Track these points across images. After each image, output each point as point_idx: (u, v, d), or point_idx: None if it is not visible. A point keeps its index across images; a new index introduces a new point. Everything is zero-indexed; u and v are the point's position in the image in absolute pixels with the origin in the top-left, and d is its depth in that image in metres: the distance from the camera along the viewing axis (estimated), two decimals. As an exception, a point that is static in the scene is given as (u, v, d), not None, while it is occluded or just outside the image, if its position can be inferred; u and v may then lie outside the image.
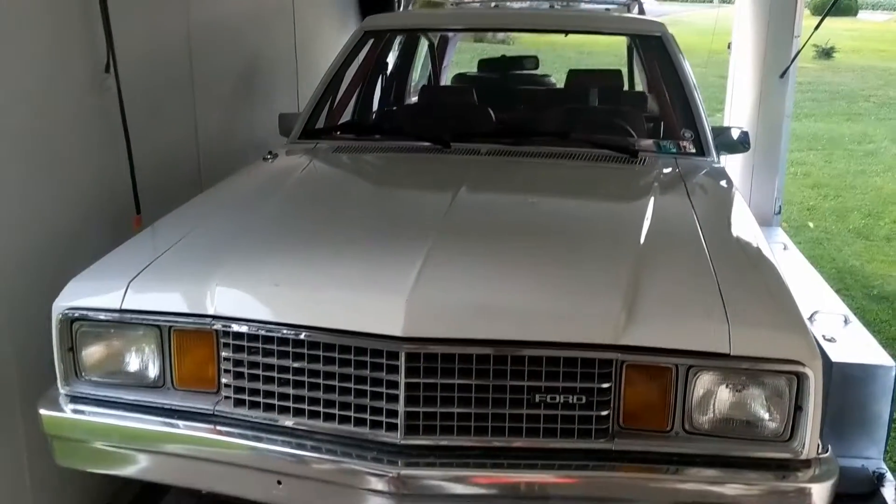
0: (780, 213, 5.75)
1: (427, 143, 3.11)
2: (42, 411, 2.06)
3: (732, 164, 4.98)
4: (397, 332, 1.81)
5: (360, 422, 1.88)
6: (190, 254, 2.17)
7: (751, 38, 5.48)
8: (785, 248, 4.75)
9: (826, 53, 18.78)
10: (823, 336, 3.23)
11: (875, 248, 6.74)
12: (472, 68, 5.79)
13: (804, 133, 11.39)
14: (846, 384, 3.04)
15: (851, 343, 3.24)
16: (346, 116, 3.70)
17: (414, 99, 5.01)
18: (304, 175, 2.91)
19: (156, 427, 1.98)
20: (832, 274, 5.85)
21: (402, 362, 1.82)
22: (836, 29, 18.82)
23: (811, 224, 7.39)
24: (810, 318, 3.41)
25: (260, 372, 1.94)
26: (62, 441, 2.09)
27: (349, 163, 3.17)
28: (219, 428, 1.96)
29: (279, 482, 1.90)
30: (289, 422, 1.93)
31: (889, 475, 3.12)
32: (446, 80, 5.69)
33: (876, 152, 10.64)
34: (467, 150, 3.06)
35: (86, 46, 2.69)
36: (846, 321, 3.45)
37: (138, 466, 2.04)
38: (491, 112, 3.48)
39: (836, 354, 3.09)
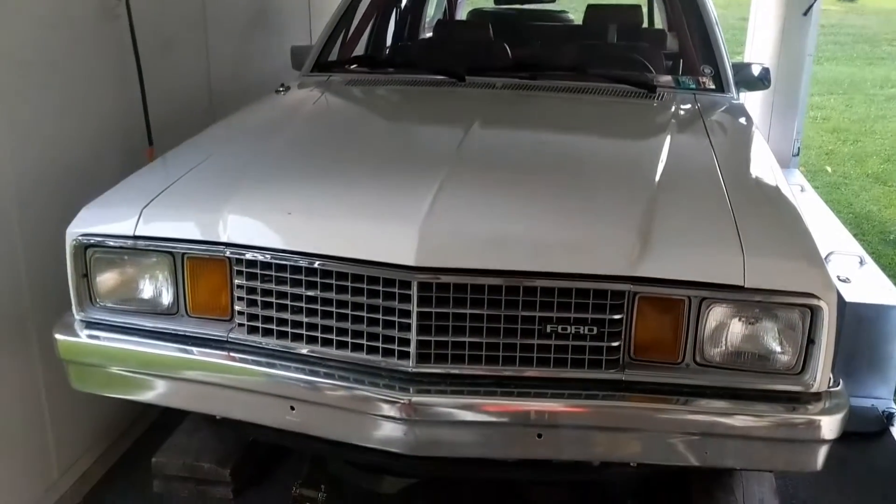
0: (798, 154, 5.68)
1: (441, 77, 3.07)
2: (58, 336, 2.07)
3: (751, 103, 4.91)
4: (410, 262, 1.81)
5: (372, 350, 1.89)
6: (202, 182, 2.16)
7: (774, -25, 5.35)
8: (802, 190, 4.71)
9: (851, -5, 18.36)
10: (838, 277, 3.22)
11: (893, 193, 6.66)
12: (488, 3, 5.69)
13: (825, 77, 11.19)
14: (859, 324, 3.04)
15: (866, 284, 3.23)
16: (360, 50, 3.65)
17: (429, 34, 4.93)
18: (316, 107, 2.88)
19: (170, 353, 2.00)
20: (849, 219, 5.81)
21: (414, 291, 1.82)
22: (862, -30, 18.36)
23: (829, 168, 7.30)
24: (826, 259, 3.37)
25: (273, 300, 1.94)
26: (77, 366, 2.11)
27: (362, 95, 3.14)
28: (232, 354, 1.97)
29: (292, 408, 1.92)
30: (302, 349, 1.94)
31: (899, 414, 3.14)
32: (462, 15, 5.60)
33: (897, 97, 10.46)
34: (482, 83, 3.01)
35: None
36: (861, 262, 3.43)
37: (153, 392, 2.06)
38: (507, 46, 3.42)
39: (851, 295, 3.08)
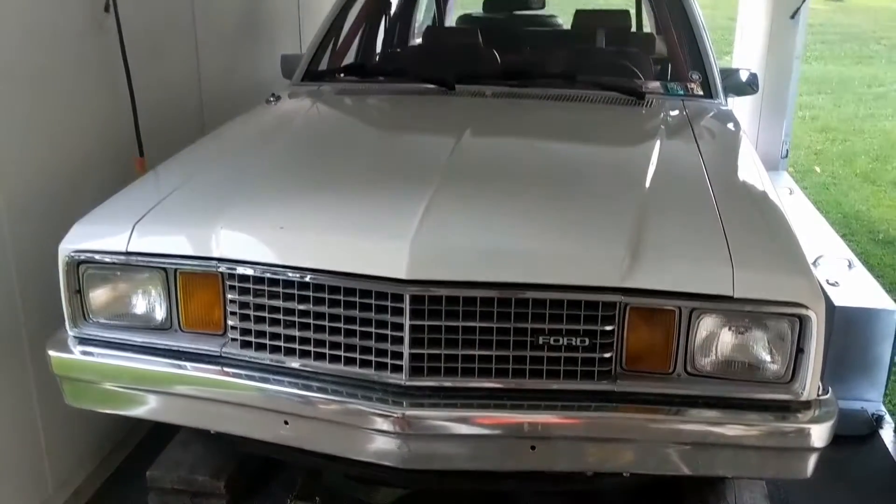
0: (787, 156, 5.71)
1: (431, 86, 3.08)
2: (51, 352, 2.08)
3: (740, 106, 4.93)
4: (402, 275, 1.82)
5: (365, 363, 1.90)
6: (194, 196, 2.17)
7: (761, -23, 5.37)
8: (791, 193, 4.73)
9: (838, -6, 18.43)
10: (827, 280, 3.24)
11: (881, 192, 6.70)
12: (478, 9, 5.70)
13: (813, 76, 11.24)
14: (848, 328, 3.06)
15: (855, 287, 3.25)
16: (350, 58, 3.66)
17: (418, 40, 4.94)
18: (307, 118, 2.89)
19: (164, 368, 2.00)
20: (838, 219, 5.84)
21: (406, 305, 1.83)
22: (849, -32, 18.44)
23: (818, 168, 7.34)
24: (814, 263, 3.41)
25: (266, 314, 1.95)
26: (71, 382, 2.11)
27: (353, 105, 3.14)
28: (226, 369, 1.98)
29: (286, 422, 1.93)
30: (295, 363, 1.95)
31: (888, 417, 3.17)
32: (451, 21, 5.61)
33: (886, 95, 10.51)
34: (472, 91, 3.03)
35: (85, -15, 2.65)
36: (850, 265, 3.45)
37: (147, 407, 2.07)
38: (496, 53, 3.44)
39: (840, 298, 3.10)
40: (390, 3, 4.49)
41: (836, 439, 1.87)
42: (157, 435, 2.73)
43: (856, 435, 3.05)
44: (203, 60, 3.46)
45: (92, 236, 2.04)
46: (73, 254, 2.03)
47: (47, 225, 2.31)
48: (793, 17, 5.21)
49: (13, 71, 2.34)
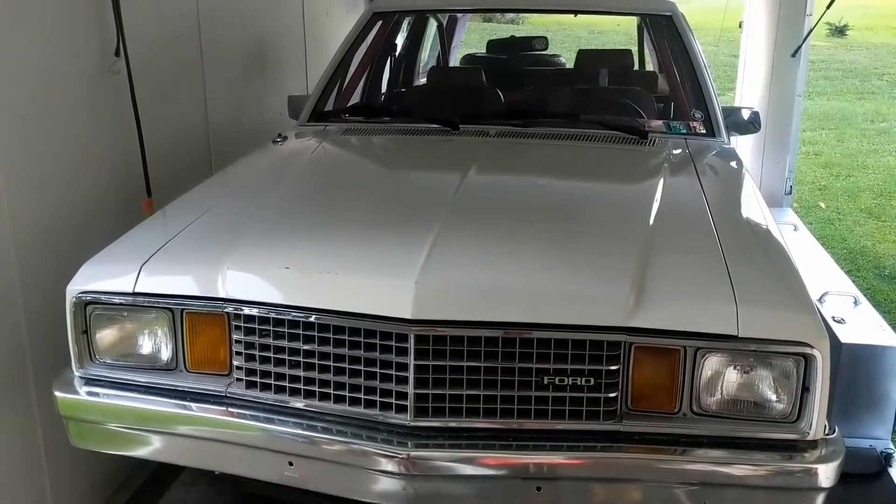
0: (790, 193, 5.73)
1: (436, 125, 3.11)
2: (57, 393, 2.08)
3: (743, 143, 4.97)
4: (406, 315, 1.82)
5: (370, 404, 1.90)
6: (201, 237, 2.19)
7: (763, 16, 5.44)
8: (795, 230, 4.74)
9: (839, 31, 18.57)
10: (833, 317, 3.24)
11: (887, 228, 6.70)
12: (481, 49, 5.77)
13: (816, 112, 11.31)
14: (855, 365, 3.05)
15: (861, 324, 3.24)
16: (356, 98, 3.71)
17: (423, 80, 5.00)
18: (313, 158, 2.91)
19: (169, 409, 2.01)
20: (843, 254, 5.84)
21: (411, 344, 1.83)
22: (849, 7, 18.56)
23: (822, 204, 7.36)
24: (820, 300, 3.41)
25: (271, 354, 1.96)
26: (77, 423, 2.12)
27: (358, 145, 3.18)
28: (231, 410, 1.98)
29: (290, 463, 1.93)
30: (300, 404, 1.95)
31: (897, 455, 3.14)
32: (455, 61, 5.67)
33: (889, 131, 10.55)
34: (476, 131, 3.06)
35: (96, 30, 2.69)
36: (856, 302, 3.45)
37: (152, 448, 2.07)
38: (500, 93, 3.48)
39: (846, 335, 3.09)
40: (395, 45, 4.55)
41: (845, 477, 1.87)
42: (160, 476, 2.73)
43: (865, 473, 3.02)
44: (211, 102, 3.51)
45: (99, 277, 2.06)
46: (80, 294, 2.04)
47: (55, 265, 2.33)
48: (794, 55, 5.27)
49: (25, 113, 2.38)
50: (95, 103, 2.72)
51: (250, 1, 3.99)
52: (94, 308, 2.05)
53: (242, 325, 1.97)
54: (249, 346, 1.97)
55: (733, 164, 2.96)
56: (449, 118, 3.09)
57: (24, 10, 2.37)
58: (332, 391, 1.92)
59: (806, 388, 1.82)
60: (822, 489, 1.82)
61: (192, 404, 2.00)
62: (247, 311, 1.95)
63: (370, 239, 2.11)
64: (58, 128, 2.53)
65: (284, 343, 1.94)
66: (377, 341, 1.87)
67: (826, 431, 1.86)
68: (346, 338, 1.89)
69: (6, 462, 2.36)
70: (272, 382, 1.97)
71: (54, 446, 2.46)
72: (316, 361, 1.92)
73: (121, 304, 2.04)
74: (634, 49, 5.28)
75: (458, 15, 5.57)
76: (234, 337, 1.98)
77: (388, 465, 1.82)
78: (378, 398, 1.89)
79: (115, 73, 2.75)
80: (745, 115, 3.31)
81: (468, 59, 5.43)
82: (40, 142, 2.45)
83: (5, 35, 2.30)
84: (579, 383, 1.85)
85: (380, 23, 3.74)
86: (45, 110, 2.47)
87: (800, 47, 5.24)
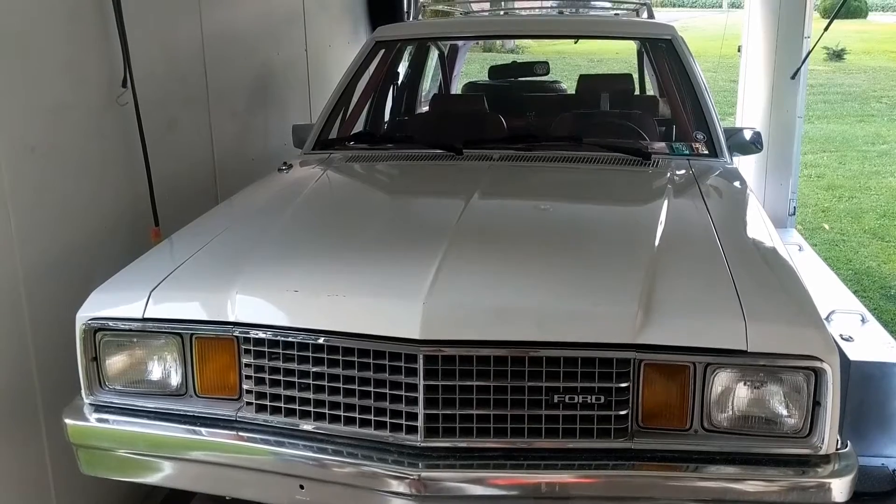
0: (794, 214, 5.75)
1: (439, 151, 3.13)
2: (67, 421, 2.08)
3: (746, 166, 4.99)
4: (415, 335, 1.83)
5: (380, 425, 1.90)
6: (209, 263, 2.20)
7: (761, 41, 5.50)
8: (800, 250, 4.75)
9: (837, 55, 18.70)
10: (841, 335, 3.23)
11: (891, 248, 6.70)
12: (482, 78, 5.82)
13: (817, 135, 11.35)
14: (864, 383, 3.04)
15: (869, 342, 3.24)
16: (359, 127, 3.74)
17: (425, 108, 5.04)
18: (319, 185, 2.93)
19: (179, 434, 2.01)
20: (848, 275, 5.83)
21: (420, 365, 1.83)
22: (846, 31, 18.75)
23: (826, 226, 7.36)
24: (827, 318, 3.40)
25: (281, 377, 1.96)
26: (87, 450, 2.11)
27: (363, 172, 3.20)
28: (241, 434, 1.98)
29: (301, 486, 1.92)
30: (309, 426, 1.95)
31: (910, 473, 3.11)
32: (456, 89, 5.72)
33: (889, 153, 10.58)
34: (480, 156, 3.08)
35: (103, 62, 2.73)
36: (863, 320, 3.45)
37: (162, 474, 2.06)
38: (502, 119, 3.50)
39: (854, 353, 3.09)
40: (397, 73, 4.60)
41: (857, 496, 1.85)
42: (170, 502, 2.71)
43: (877, 492, 2.99)
44: (216, 132, 3.54)
45: (109, 304, 2.07)
46: (90, 321, 2.05)
47: (64, 294, 2.34)
48: (793, 77, 5.31)
49: (33, 143, 2.40)
50: (103, 133, 2.75)
51: (254, 32, 4.04)
52: (103, 335, 2.06)
53: (252, 348, 1.97)
54: (259, 369, 1.97)
55: (737, 183, 2.97)
56: (452, 143, 3.12)
57: (33, 42, 2.41)
58: (342, 413, 1.92)
59: (817, 403, 1.81)
60: (837, 504, 1.81)
61: (203, 429, 2.00)
62: (256, 334, 1.96)
63: (377, 261, 2.12)
64: (66, 157, 2.56)
65: (294, 366, 1.94)
66: (386, 362, 1.87)
67: (839, 446, 1.85)
68: (356, 359, 1.89)
69: (15, 491, 2.35)
70: (282, 406, 1.97)
71: (63, 474, 2.45)
72: (326, 384, 1.93)
73: (130, 330, 2.04)
74: (635, 75, 5.32)
75: (459, 44, 5.62)
76: (244, 361, 1.99)
77: (400, 487, 1.82)
78: (388, 419, 1.89)
79: (123, 104, 2.79)
80: (748, 135, 3.32)
81: (470, 86, 5.47)
82: (48, 171, 2.48)
83: (15, 66, 2.33)
84: (589, 401, 1.84)
85: (382, 52, 3.78)
86: (53, 140, 2.49)
87: (799, 69, 5.29)
